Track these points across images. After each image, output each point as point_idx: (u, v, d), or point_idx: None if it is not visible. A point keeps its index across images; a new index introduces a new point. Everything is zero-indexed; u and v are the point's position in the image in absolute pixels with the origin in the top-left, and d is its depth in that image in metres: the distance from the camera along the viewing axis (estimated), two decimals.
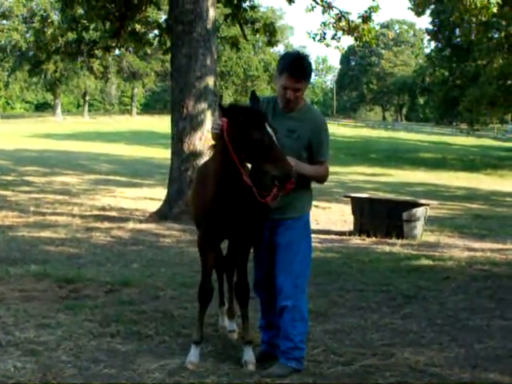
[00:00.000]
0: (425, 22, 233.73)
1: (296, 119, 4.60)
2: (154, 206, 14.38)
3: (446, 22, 43.50)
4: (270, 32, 19.10)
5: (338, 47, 18.78)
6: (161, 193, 15.70)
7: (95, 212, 14.05)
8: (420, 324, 5.99)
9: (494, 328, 5.93)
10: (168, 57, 17.02)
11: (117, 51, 35.04)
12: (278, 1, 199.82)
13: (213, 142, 4.60)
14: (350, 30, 17.34)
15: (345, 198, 15.04)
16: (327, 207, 16.60)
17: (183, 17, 13.12)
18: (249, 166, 4.45)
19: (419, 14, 38.91)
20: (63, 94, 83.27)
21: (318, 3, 17.79)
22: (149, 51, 54.33)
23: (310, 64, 4.56)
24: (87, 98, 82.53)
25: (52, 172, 23.45)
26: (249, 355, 4.67)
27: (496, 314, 6.44)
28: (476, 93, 38.34)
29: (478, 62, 41.83)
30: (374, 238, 11.75)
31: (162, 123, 53.70)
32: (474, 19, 19.51)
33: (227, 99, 72.08)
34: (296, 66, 4.47)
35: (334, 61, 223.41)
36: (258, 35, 21.97)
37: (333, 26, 17.76)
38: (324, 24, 17.94)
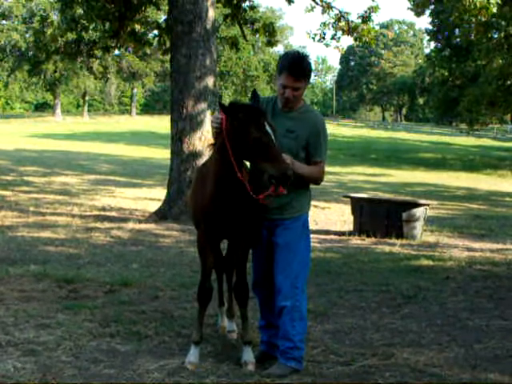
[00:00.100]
0: (424, 22, 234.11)
1: (295, 119, 4.60)
2: (154, 206, 14.38)
3: (446, 22, 43.43)
4: (270, 32, 19.08)
5: (337, 47, 18.89)
6: (160, 193, 15.70)
7: (95, 212, 14.04)
8: (420, 324, 5.99)
9: (494, 328, 5.94)
10: (167, 57, 17.03)
11: (116, 51, 34.97)
12: (278, 1, 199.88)
13: (212, 142, 4.61)
14: (350, 30, 17.35)
15: (344, 198, 15.06)
16: (326, 207, 16.59)
17: (183, 17, 13.12)
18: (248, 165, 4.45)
19: (419, 14, 38.83)
20: (63, 94, 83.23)
21: (317, 3, 17.79)
22: (148, 51, 54.41)
23: (309, 64, 4.57)
24: (87, 98, 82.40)
25: (52, 172, 23.40)
26: (248, 355, 4.67)
27: (495, 314, 6.46)
28: (475, 93, 38.33)
29: (478, 62, 41.79)
30: (373, 238, 11.76)
31: (161, 123, 53.75)
32: (473, 19, 19.47)
33: (227, 99, 71.97)
34: (296, 65, 4.47)
35: (334, 61, 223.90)
36: (257, 35, 21.97)
37: (332, 26, 17.77)
38: (324, 24, 17.95)
